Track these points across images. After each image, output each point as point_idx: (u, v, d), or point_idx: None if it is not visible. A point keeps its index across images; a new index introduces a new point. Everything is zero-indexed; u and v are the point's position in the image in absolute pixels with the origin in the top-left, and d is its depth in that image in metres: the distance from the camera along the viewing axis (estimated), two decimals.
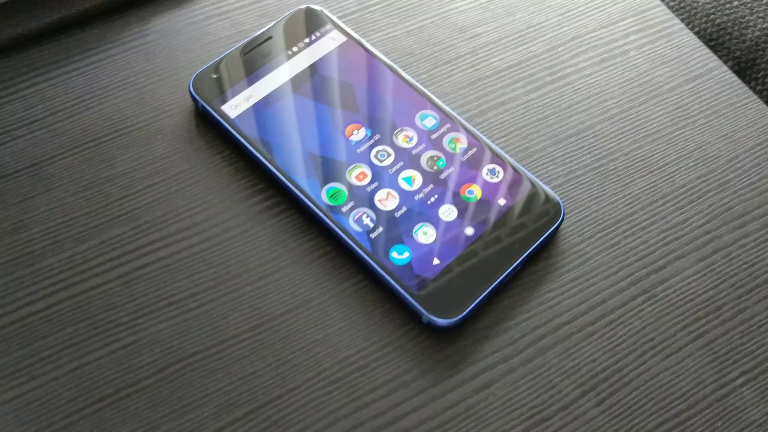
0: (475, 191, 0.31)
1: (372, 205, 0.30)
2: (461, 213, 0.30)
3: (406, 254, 0.29)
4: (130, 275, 0.29)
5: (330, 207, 0.30)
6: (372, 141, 0.32)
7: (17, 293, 0.29)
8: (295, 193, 0.30)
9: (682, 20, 0.40)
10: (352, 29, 0.36)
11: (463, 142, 0.32)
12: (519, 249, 0.30)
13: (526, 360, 0.28)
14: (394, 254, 0.29)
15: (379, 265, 0.29)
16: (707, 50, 0.37)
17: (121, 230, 0.30)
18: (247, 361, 0.28)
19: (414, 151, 0.32)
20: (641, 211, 0.32)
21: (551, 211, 0.31)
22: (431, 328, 0.29)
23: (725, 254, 0.31)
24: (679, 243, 0.31)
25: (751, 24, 0.36)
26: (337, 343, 0.28)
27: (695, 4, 0.38)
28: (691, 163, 0.33)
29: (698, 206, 0.32)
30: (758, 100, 0.35)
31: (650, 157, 0.33)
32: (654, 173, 0.33)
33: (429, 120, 0.33)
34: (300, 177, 0.31)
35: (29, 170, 0.32)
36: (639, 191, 0.32)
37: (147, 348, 0.28)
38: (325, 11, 0.36)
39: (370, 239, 0.30)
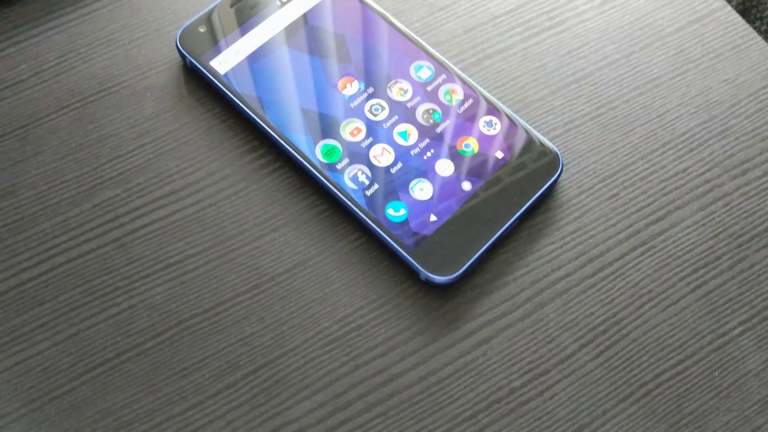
0: (472, 144, 0.30)
1: (367, 162, 0.30)
2: (458, 167, 0.30)
3: (403, 211, 0.29)
4: (124, 238, 0.29)
5: (325, 165, 0.30)
6: (366, 94, 0.31)
7: (12, 260, 0.29)
8: (289, 151, 0.30)
9: None
10: None
11: (459, 94, 0.31)
12: (517, 203, 0.29)
13: (525, 315, 0.28)
14: (390, 211, 0.29)
15: (376, 223, 0.29)
16: None
17: (114, 193, 0.30)
18: (246, 323, 0.28)
19: (409, 104, 0.31)
20: (641, 160, 0.31)
21: (550, 163, 0.30)
22: (429, 285, 0.29)
23: (725, 203, 0.31)
24: (678, 193, 0.31)
25: None
26: (336, 302, 0.28)
27: None
28: (693, 110, 0.32)
29: (699, 154, 0.32)
30: (763, 41, 0.34)
31: (651, 104, 0.33)
32: (654, 121, 0.32)
33: (424, 71, 0.32)
34: (293, 134, 0.30)
35: (16, 133, 0.31)
36: (638, 140, 0.32)
37: (145, 312, 0.28)
38: None
39: (366, 197, 0.29)
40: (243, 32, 0.32)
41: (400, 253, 0.28)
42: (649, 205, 0.30)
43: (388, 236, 0.28)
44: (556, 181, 0.30)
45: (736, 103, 0.33)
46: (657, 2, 0.35)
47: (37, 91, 0.32)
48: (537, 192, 0.30)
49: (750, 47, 0.34)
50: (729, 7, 0.35)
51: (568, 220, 0.30)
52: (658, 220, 0.30)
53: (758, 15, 0.37)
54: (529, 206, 0.29)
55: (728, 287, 0.29)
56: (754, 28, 0.37)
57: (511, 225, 0.29)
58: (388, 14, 0.33)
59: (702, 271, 0.29)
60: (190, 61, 0.31)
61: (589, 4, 0.35)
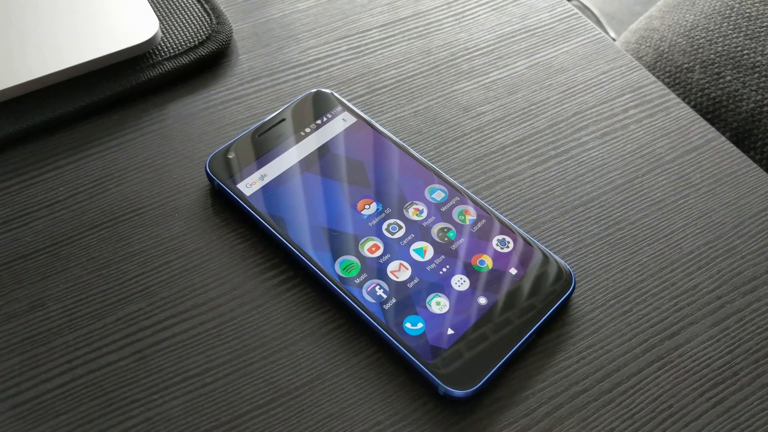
0: (487, 261, 0.31)
1: (385, 277, 0.31)
2: (473, 283, 0.31)
3: (420, 325, 0.29)
4: (145, 351, 0.29)
5: (343, 279, 0.31)
6: (383, 215, 0.33)
7: (33, 371, 0.29)
8: (309, 266, 0.31)
9: (678, 96, 0.42)
10: (362, 111, 0.38)
11: (472, 214, 0.33)
12: (533, 318, 0.30)
13: (545, 430, 0.28)
14: (407, 325, 0.29)
15: (393, 337, 0.29)
16: (705, 122, 0.38)
17: (138, 306, 0.31)
18: None
19: (424, 224, 0.33)
20: (651, 278, 0.32)
21: (562, 279, 0.31)
22: (447, 400, 0.28)
23: (738, 318, 0.31)
24: (691, 308, 0.31)
25: (745, 97, 0.37)
26: (353, 417, 0.28)
27: (690, 81, 0.39)
28: (698, 230, 0.34)
29: (707, 272, 0.32)
30: (758, 168, 0.36)
31: (656, 225, 0.34)
32: (661, 241, 0.33)
33: (438, 194, 0.34)
34: (313, 250, 0.31)
35: (49, 250, 0.32)
36: (647, 259, 0.33)
37: (161, 425, 0.28)
38: (335, 94, 0.37)
39: (383, 310, 0.30)
40: (268, 159, 0.34)
41: (418, 366, 0.28)
42: (662, 320, 0.31)
43: (406, 349, 0.29)
44: (569, 297, 0.31)
45: (739, 224, 0.34)
46: (655, 134, 0.37)
47: (72, 211, 0.34)
48: (551, 308, 0.30)
49: (747, 173, 0.36)
50: (723, 138, 0.37)
51: (584, 335, 0.30)
52: (673, 335, 0.30)
53: (751, 146, 0.39)
54: (544, 321, 0.30)
55: (750, 403, 0.29)
56: (749, 157, 0.39)
57: (527, 340, 0.29)
58: (403, 143, 0.35)
59: (721, 387, 0.29)
60: (218, 184, 0.33)
61: (592, 135, 0.37)
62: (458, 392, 0.28)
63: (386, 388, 0.29)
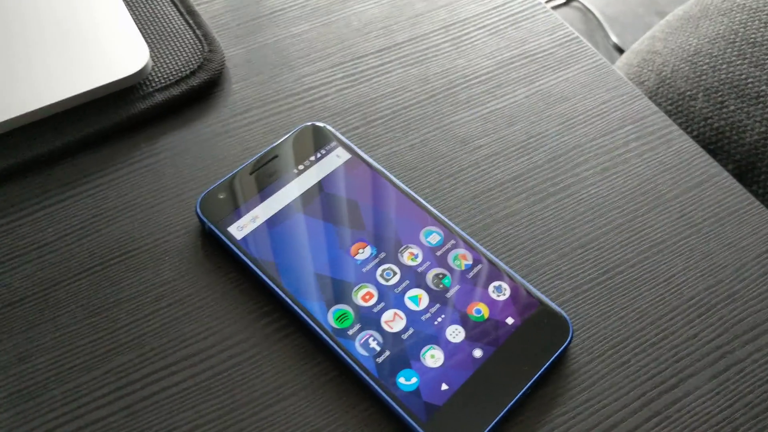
0: (483, 310, 0.31)
1: (379, 328, 0.30)
2: (469, 334, 0.30)
3: (414, 380, 0.29)
4: (135, 406, 0.29)
5: (336, 330, 0.30)
6: (377, 260, 0.32)
7: (20, 428, 0.28)
8: (302, 317, 0.30)
9: (680, 125, 0.41)
10: (357, 145, 0.37)
11: (468, 259, 0.32)
12: (528, 371, 0.29)
13: None
14: (401, 380, 0.29)
15: (387, 393, 0.29)
16: (707, 156, 0.37)
17: (127, 358, 0.30)
18: None
19: (419, 269, 0.32)
20: (650, 326, 0.32)
21: (560, 329, 0.30)
22: None
23: (738, 370, 0.30)
24: (690, 359, 0.31)
25: (748, 128, 0.37)
26: None
27: (692, 109, 0.38)
28: (698, 274, 0.33)
29: (708, 319, 0.32)
30: (761, 206, 0.35)
31: (656, 268, 0.33)
32: (661, 285, 0.33)
33: (433, 236, 0.33)
34: (306, 299, 0.31)
35: (37, 296, 0.32)
36: (647, 305, 0.32)
37: None
38: (330, 128, 0.36)
39: (377, 364, 0.29)
40: (261, 199, 0.34)
41: (412, 425, 0.28)
42: (661, 372, 0.30)
43: (400, 407, 0.28)
44: (566, 348, 0.30)
45: (741, 267, 0.33)
46: (656, 168, 0.36)
47: (61, 255, 0.33)
48: (548, 360, 0.30)
49: (749, 211, 0.35)
50: (726, 173, 0.36)
51: (581, 388, 0.30)
52: (671, 388, 0.30)
53: (754, 179, 0.38)
54: (540, 374, 0.29)
55: None
56: (751, 191, 0.38)
57: (523, 394, 0.29)
58: (398, 182, 0.35)
59: None
60: (209, 227, 0.33)
61: (591, 171, 0.36)
62: None
63: None
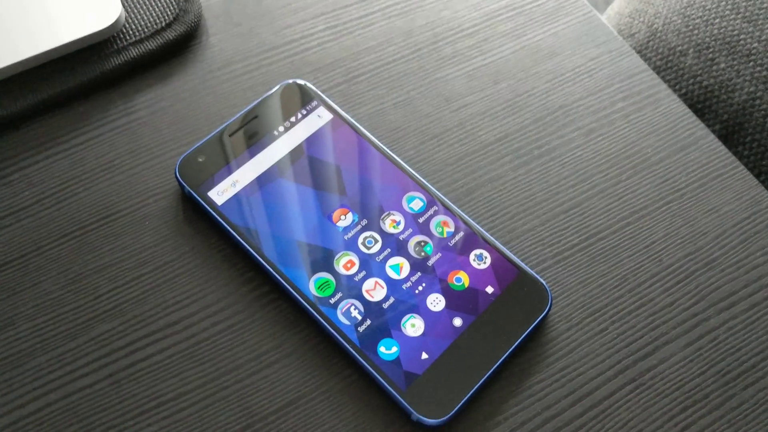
0: (463, 279, 0.31)
1: (360, 296, 0.30)
2: (449, 302, 0.30)
3: (395, 349, 0.29)
4: (119, 374, 0.29)
5: (318, 299, 0.30)
6: (359, 227, 0.32)
7: (7, 396, 0.29)
8: (284, 285, 0.30)
9: (669, 82, 0.40)
10: (339, 103, 0.36)
11: (450, 226, 0.32)
12: (507, 340, 0.30)
13: None
14: (382, 349, 0.29)
15: (368, 362, 0.29)
16: (694, 117, 0.37)
17: (110, 326, 0.30)
18: None
19: (401, 237, 0.32)
20: (629, 293, 0.32)
21: (539, 298, 0.31)
22: (420, 426, 0.29)
23: (712, 338, 0.31)
24: (666, 327, 0.31)
25: (738, 87, 0.36)
26: None
27: (682, 66, 0.37)
28: (679, 241, 0.33)
29: (685, 287, 0.32)
30: (745, 170, 0.35)
31: (638, 234, 0.33)
32: (641, 252, 0.33)
33: (416, 203, 0.33)
34: (288, 267, 0.31)
35: (17, 262, 0.32)
36: (627, 272, 0.32)
37: None
38: (311, 86, 0.35)
39: (358, 333, 0.30)
40: (241, 162, 0.33)
41: (392, 393, 0.28)
42: (637, 340, 0.31)
43: (380, 376, 0.29)
44: (545, 317, 0.30)
45: (721, 234, 0.33)
46: (642, 131, 0.36)
47: (39, 219, 0.33)
48: (527, 329, 0.30)
49: (733, 176, 0.35)
50: (712, 136, 0.36)
51: (558, 356, 0.30)
52: (647, 356, 0.31)
53: (740, 140, 0.38)
54: (519, 343, 0.30)
55: (717, 428, 0.29)
56: (737, 153, 0.38)
57: (501, 363, 0.29)
58: (381, 144, 0.34)
59: (690, 410, 0.30)
60: (188, 192, 0.32)
61: (577, 132, 0.36)
62: (431, 421, 0.28)
63: (359, 413, 0.29)
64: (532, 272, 0.31)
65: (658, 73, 0.41)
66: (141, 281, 0.31)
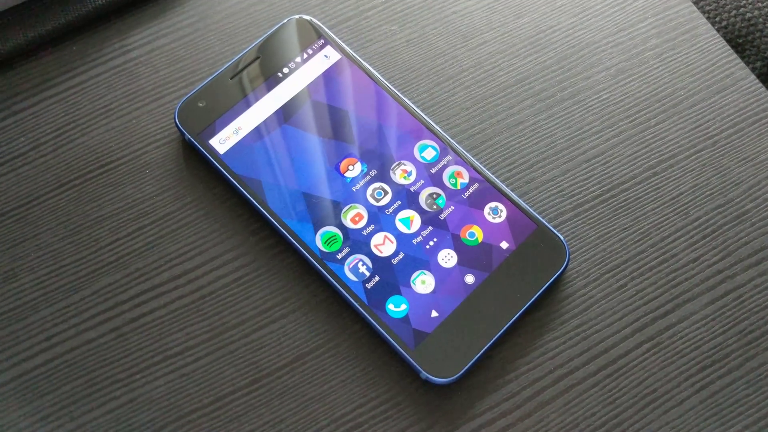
0: (477, 233, 0.30)
1: (368, 252, 0.29)
2: (461, 258, 0.29)
3: (404, 306, 0.28)
4: (124, 328, 0.29)
5: (324, 254, 0.29)
6: (368, 177, 0.30)
7: (14, 348, 0.29)
8: (289, 239, 0.29)
9: (709, 12, 0.37)
10: (348, 41, 0.34)
11: (464, 177, 0.30)
12: (521, 298, 0.29)
13: (525, 415, 0.28)
14: (390, 306, 0.28)
15: (376, 320, 0.28)
16: (734, 55, 0.34)
17: (113, 279, 0.30)
18: (245, 419, 0.28)
19: (412, 188, 0.30)
20: (651, 248, 0.30)
21: (556, 254, 0.29)
22: (429, 384, 0.28)
23: (737, 296, 0.30)
24: (689, 284, 0.30)
25: None
26: (334, 400, 0.28)
27: None
28: (708, 192, 0.31)
29: (712, 242, 0.31)
30: None
31: (664, 186, 0.31)
32: (667, 204, 0.31)
33: (429, 152, 0.31)
34: (294, 221, 0.30)
35: (16, 212, 0.31)
36: (650, 226, 0.31)
37: (145, 406, 0.28)
38: (317, 22, 0.33)
39: (366, 290, 0.29)
40: (243, 107, 0.31)
41: (400, 352, 0.28)
42: (657, 297, 0.30)
43: (389, 334, 0.28)
44: (562, 274, 0.29)
45: (755, 185, 0.31)
46: (675, 71, 0.33)
47: (36, 167, 0.31)
48: (542, 286, 0.29)
49: None
50: (752, 76, 0.33)
51: (574, 313, 0.29)
52: (666, 314, 0.29)
53: None
54: (533, 301, 0.29)
55: (735, 388, 0.28)
56: None
57: (513, 321, 0.28)
58: (392, 87, 0.32)
59: (709, 370, 0.29)
60: (189, 139, 0.31)
61: (604, 73, 0.33)
62: (440, 380, 0.27)
63: (368, 369, 0.28)
64: (550, 227, 0.30)
65: (696, 3, 0.37)
66: (143, 233, 0.30)
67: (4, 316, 0.29)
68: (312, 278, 0.30)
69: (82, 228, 0.30)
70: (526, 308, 0.29)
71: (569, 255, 0.29)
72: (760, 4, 0.33)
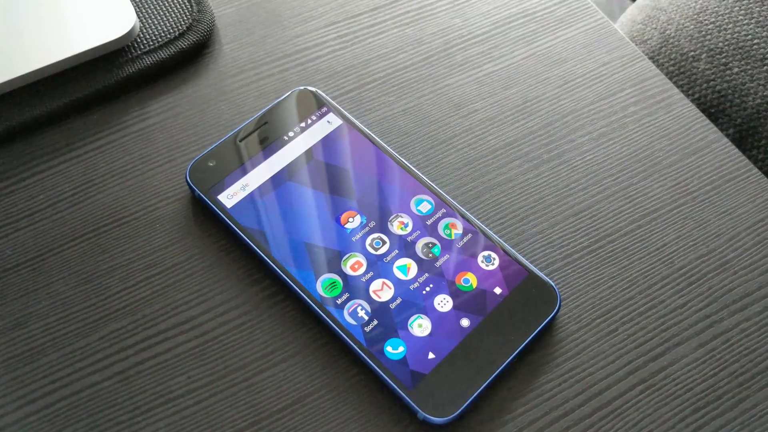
0: (471, 280, 0.31)
1: (367, 297, 0.30)
2: (457, 303, 0.30)
3: (401, 348, 0.29)
4: (128, 371, 0.30)
5: (324, 299, 0.30)
6: (367, 228, 0.32)
7: (19, 391, 0.29)
8: (291, 286, 0.31)
9: (682, 86, 0.40)
10: (349, 109, 0.36)
11: (458, 228, 0.32)
12: (515, 340, 0.29)
13: None
14: (388, 349, 0.29)
15: (374, 361, 0.29)
16: (707, 121, 0.36)
17: (120, 325, 0.31)
18: None
19: (409, 238, 0.32)
20: (639, 295, 0.32)
21: (548, 299, 0.30)
22: (427, 424, 0.28)
23: (725, 339, 0.31)
24: (678, 328, 0.31)
25: (751, 91, 0.36)
26: None
27: (695, 71, 0.37)
28: (691, 243, 0.33)
29: (698, 289, 0.32)
30: (759, 173, 0.35)
31: (649, 237, 0.33)
32: (653, 254, 0.33)
33: (424, 205, 0.33)
34: (295, 268, 0.31)
35: (30, 263, 0.32)
36: (637, 274, 0.32)
37: None
38: (321, 92, 0.36)
39: (365, 333, 0.30)
40: (251, 166, 0.33)
41: (398, 392, 0.28)
42: (648, 341, 0.30)
43: (387, 375, 0.29)
44: (554, 317, 0.30)
45: (735, 236, 0.33)
46: (654, 134, 0.36)
47: (53, 221, 0.33)
48: (535, 329, 0.30)
49: (746, 179, 0.35)
50: (725, 139, 0.36)
51: (567, 356, 0.30)
52: (658, 356, 0.30)
53: (755, 144, 0.37)
54: (527, 343, 0.30)
55: (730, 429, 0.29)
56: (751, 156, 0.38)
57: (509, 363, 0.29)
58: (390, 149, 0.34)
59: (702, 411, 0.29)
60: (199, 195, 0.33)
61: (587, 137, 0.36)
62: (438, 420, 0.28)
63: (366, 411, 0.29)
64: (541, 274, 0.31)
65: (670, 78, 0.41)
66: (151, 282, 0.32)
67: (11, 361, 0.30)
68: (312, 324, 0.31)
69: (93, 277, 0.32)
70: (521, 350, 0.29)
71: (560, 299, 0.30)
72: (728, 78, 0.36)
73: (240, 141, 0.34)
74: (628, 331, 0.31)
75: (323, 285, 0.31)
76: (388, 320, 0.30)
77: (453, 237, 0.32)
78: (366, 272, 0.31)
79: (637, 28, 0.41)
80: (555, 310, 0.30)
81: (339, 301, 0.30)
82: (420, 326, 0.30)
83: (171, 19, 0.38)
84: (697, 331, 0.31)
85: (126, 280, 0.32)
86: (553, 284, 0.31)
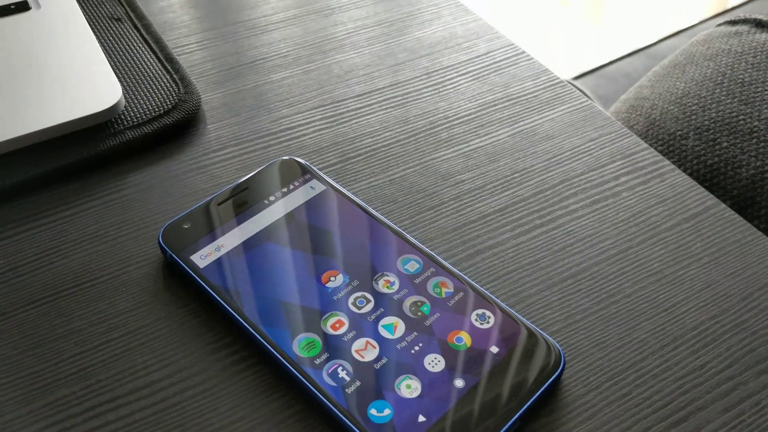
0: (465, 338, 0.28)
1: (349, 357, 0.27)
2: (449, 363, 0.27)
3: (387, 411, 0.26)
4: None
5: (300, 359, 0.27)
6: (350, 287, 0.30)
7: None
8: (263, 344, 0.28)
9: (673, 163, 0.40)
10: (333, 179, 0.35)
11: (448, 287, 0.30)
12: (517, 403, 0.26)
13: None
14: (373, 411, 0.26)
15: (356, 425, 0.25)
16: (703, 189, 0.35)
17: (70, 390, 0.27)
18: None
19: (396, 297, 0.29)
20: (652, 356, 0.28)
21: (550, 359, 0.27)
22: None
23: (753, 403, 0.27)
24: (698, 391, 0.27)
25: (744, 163, 0.35)
26: None
27: (684, 148, 0.37)
28: (701, 304, 0.30)
29: (715, 349, 0.29)
30: (763, 236, 0.33)
31: (655, 298, 0.30)
32: (661, 315, 0.30)
33: (411, 264, 0.31)
34: (269, 327, 0.28)
35: None
36: (647, 335, 0.29)
37: None
38: (305, 162, 0.35)
39: (345, 395, 0.26)
40: (227, 228, 0.32)
41: None
42: (666, 405, 0.27)
43: None
44: (558, 378, 0.27)
45: (748, 296, 0.31)
46: (649, 201, 0.35)
47: (10, 286, 0.31)
48: (537, 391, 0.26)
49: (752, 241, 0.33)
50: (723, 205, 0.34)
51: (576, 422, 0.26)
52: (680, 421, 0.26)
53: (755, 214, 0.36)
54: (529, 407, 0.26)
55: None
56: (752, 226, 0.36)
57: (510, 428, 0.25)
58: (375, 212, 0.33)
59: None
60: (170, 255, 0.31)
61: (581, 203, 0.34)
62: None
63: None
64: (541, 332, 0.28)
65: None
66: (110, 345, 0.29)
67: None
68: (286, 389, 0.27)
69: (47, 341, 0.29)
70: (522, 414, 0.26)
71: (564, 360, 0.27)
72: (718, 152, 0.35)
73: (218, 205, 0.33)
74: (643, 395, 0.27)
75: (300, 345, 0.28)
76: (372, 381, 0.27)
77: (443, 295, 0.29)
78: (348, 331, 0.28)
79: (623, 116, 0.42)
80: (559, 371, 0.27)
81: (317, 362, 0.27)
82: (408, 387, 0.26)
83: (157, 99, 0.38)
84: (721, 394, 0.27)
85: (83, 343, 0.29)
86: (555, 343, 0.28)
